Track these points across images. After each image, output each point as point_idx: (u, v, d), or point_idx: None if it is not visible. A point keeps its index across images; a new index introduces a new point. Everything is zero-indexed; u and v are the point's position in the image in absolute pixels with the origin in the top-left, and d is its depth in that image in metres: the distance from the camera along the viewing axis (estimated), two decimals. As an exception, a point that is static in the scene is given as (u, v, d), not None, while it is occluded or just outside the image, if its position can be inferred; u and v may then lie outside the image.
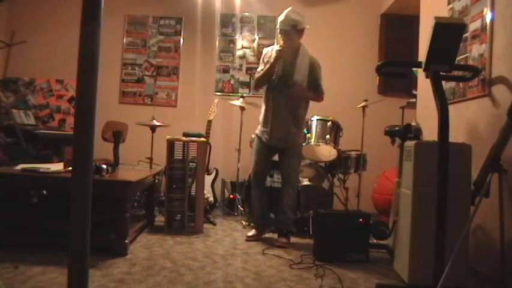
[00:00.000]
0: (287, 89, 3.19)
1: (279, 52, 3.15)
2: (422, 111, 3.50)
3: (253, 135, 3.58)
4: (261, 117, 3.38)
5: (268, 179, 3.83)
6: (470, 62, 2.73)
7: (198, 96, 5.11)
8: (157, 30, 5.17)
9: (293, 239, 3.38)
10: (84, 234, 0.86)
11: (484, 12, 2.58)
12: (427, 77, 2.03)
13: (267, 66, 3.22)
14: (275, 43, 3.32)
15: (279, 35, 3.25)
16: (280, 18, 3.19)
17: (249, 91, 5.04)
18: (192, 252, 2.82)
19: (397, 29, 4.98)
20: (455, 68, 2.12)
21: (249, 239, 3.28)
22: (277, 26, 3.23)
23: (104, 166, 2.74)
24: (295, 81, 3.18)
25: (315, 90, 3.29)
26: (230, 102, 4.45)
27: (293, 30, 3.15)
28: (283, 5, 4.34)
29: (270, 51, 3.31)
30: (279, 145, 3.29)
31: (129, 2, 5.20)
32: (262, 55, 3.39)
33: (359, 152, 3.94)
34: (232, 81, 5.13)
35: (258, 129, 3.39)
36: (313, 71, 3.27)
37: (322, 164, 4.09)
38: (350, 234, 2.81)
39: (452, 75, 2.47)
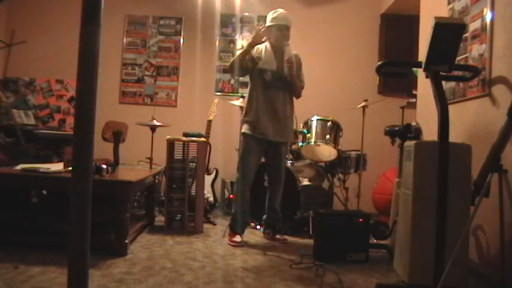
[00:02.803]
0: (281, 84, 3.22)
1: (257, 37, 3.19)
2: (422, 111, 3.50)
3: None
4: (250, 115, 3.22)
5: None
6: (470, 62, 2.73)
7: (198, 96, 5.10)
8: (157, 30, 5.17)
9: (293, 239, 3.38)
10: (84, 234, 0.86)
11: (484, 12, 2.58)
12: (427, 77, 2.03)
13: (245, 47, 3.25)
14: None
15: (272, 31, 3.24)
16: (276, 15, 3.24)
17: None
18: (192, 252, 2.82)
19: (397, 29, 4.98)
20: (455, 68, 2.12)
21: (236, 244, 3.07)
22: (274, 22, 3.23)
23: (104, 166, 2.74)
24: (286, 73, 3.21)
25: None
26: (230, 102, 4.44)
27: (289, 28, 3.25)
28: (283, 5, 4.33)
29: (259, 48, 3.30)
30: (277, 139, 3.21)
31: (129, 2, 5.19)
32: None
33: (359, 152, 3.93)
34: (232, 81, 5.13)
35: (248, 127, 3.22)
36: (298, 65, 3.32)
37: (322, 164, 4.08)
38: (350, 234, 2.80)
39: (452, 75, 2.47)
